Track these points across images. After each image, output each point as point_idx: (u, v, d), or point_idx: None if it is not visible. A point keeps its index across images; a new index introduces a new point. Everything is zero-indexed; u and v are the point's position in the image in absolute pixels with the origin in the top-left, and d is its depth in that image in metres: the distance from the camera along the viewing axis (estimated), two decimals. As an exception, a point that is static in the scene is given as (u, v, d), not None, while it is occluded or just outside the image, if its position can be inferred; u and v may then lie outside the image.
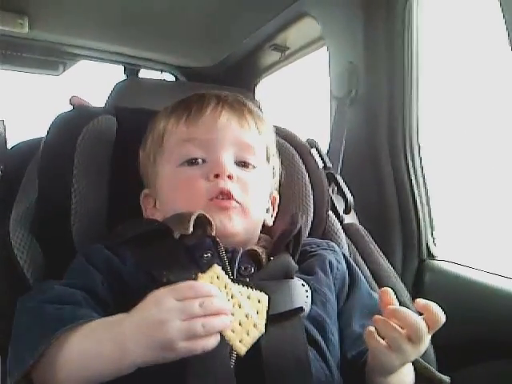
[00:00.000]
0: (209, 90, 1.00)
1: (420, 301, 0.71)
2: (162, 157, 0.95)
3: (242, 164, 0.93)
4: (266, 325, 0.68)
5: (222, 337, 0.64)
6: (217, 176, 0.88)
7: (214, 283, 0.66)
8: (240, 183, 0.90)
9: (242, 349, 0.65)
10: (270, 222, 0.99)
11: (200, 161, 0.91)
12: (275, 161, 1.04)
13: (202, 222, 0.85)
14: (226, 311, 0.63)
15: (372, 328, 0.72)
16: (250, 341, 0.66)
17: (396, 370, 0.76)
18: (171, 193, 0.92)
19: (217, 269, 0.67)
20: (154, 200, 0.97)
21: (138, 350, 0.62)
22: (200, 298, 0.62)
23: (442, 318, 0.70)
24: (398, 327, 0.70)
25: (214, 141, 0.91)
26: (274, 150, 1.03)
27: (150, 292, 0.66)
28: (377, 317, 0.72)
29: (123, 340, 0.64)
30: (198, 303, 0.62)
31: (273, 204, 1.03)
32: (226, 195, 0.87)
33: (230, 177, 0.88)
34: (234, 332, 0.65)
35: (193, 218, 0.83)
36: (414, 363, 0.82)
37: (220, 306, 0.63)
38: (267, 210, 1.01)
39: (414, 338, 0.69)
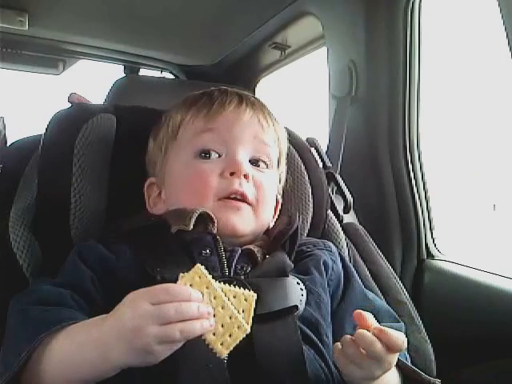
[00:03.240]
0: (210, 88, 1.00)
1: (376, 327, 0.71)
2: (175, 147, 0.94)
3: (255, 163, 0.93)
4: (253, 323, 0.66)
5: (203, 340, 0.62)
6: (232, 174, 0.87)
7: (194, 284, 0.63)
8: (254, 183, 0.90)
9: (224, 352, 0.63)
10: (271, 224, 0.99)
11: (215, 155, 0.90)
12: (284, 166, 1.04)
13: (204, 219, 0.85)
14: (205, 315, 0.61)
15: (338, 343, 0.73)
16: (232, 343, 0.63)
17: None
18: (180, 184, 0.91)
19: (199, 269, 0.64)
20: (158, 189, 0.96)
21: (118, 355, 0.62)
22: (176, 303, 0.60)
23: (398, 341, 0.70)
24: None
25: (233, 137, 0.90)
26: (285, 155, 1.03)
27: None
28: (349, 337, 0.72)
29: (103, 344, 0.63)
30: (174, 308, 0.60)
31: (275, 207, 1.02)
32: (241, 196, 0.87)
33: (245, 176, 0.88)
34: (215, 335, 0.63)
35: (195, 215, 0.82)
36: (401, 367, 0.82)
37: (197, 311, 0.61)
38: None
39: (372, 357, 0.70)
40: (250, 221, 0.89)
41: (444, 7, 1.52)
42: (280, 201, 1.04)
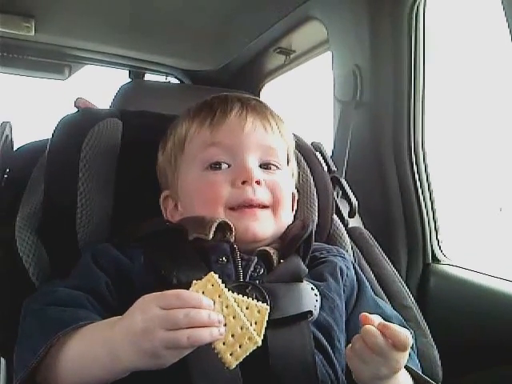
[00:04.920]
0: (216, 93, 1.00)
1: (380, 322, 0.72)
2: (184, 161, 0.94)
3: (265, 166, 0.93)
4: (266, 331, 0.65)
5: (212, 349, 0.62)
6: (244, 182, 0.87)
7: (207, 292, 0.63)
8: (267, 187, 0.90)
9: (233, 362, 0.62)
10: (290, 220, 0.98)
11: (225, 165, 0.90)
12: (293, 161, 1.04)
13: (223, 227, 0.85)
14: (215, 323, 0.60)
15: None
16: (242, 354, 0.62)
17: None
18: (194, 197, 0.91)
19: (212, 277, 0.64)
20: (174, 201, 0.96)
21: (127, 357, 0.63)
22: (186, 308, 0.60)
23: (401, 335, 0.71)
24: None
25: (239, 145, 0.90)
26: (293, 151, 1.03)
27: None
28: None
29: (113, 346, 0.64)
30: (183, 313, 0.59)
31: (293, 202, 1.01)
32: (256, 204, 0.87)
33: (258, 182, 0.88)
34: (225, 344, 0.61)
35: (214, 224, 0.83)
36: (415, 378, 0.82)
37: (207, 318, 0.60)
38: None
39: (375, 351, 0.71)
40: (270, 224, 0.89)
41: (450, 11, 1.52)
42: (296, 196, 1.03)
